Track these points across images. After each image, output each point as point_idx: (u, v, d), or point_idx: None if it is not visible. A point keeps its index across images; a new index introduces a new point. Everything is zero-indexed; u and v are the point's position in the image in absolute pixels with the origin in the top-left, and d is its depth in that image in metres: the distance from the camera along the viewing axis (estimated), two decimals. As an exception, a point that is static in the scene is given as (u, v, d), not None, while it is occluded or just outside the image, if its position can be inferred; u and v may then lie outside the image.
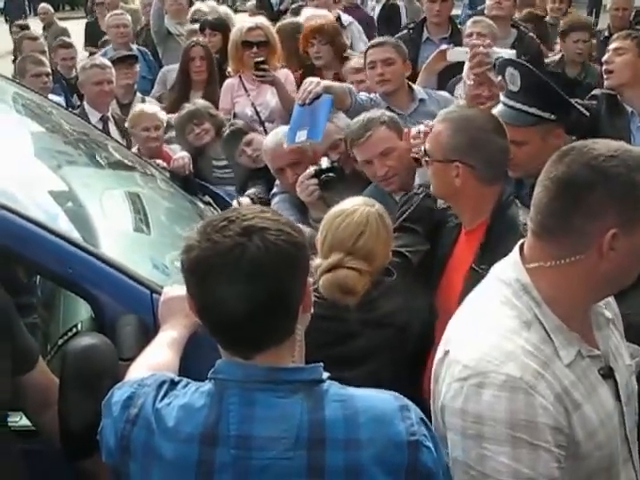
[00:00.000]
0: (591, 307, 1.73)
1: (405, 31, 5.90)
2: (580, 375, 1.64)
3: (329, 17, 5.50)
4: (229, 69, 5.15)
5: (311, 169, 3.40)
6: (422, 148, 2.70)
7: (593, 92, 3.87)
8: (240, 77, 4.94)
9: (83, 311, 2.52)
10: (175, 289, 2.27)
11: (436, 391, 1.71)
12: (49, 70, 5.27)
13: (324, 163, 3.39)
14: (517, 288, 1.66)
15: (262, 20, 5.09)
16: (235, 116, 4.86)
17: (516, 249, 1.73)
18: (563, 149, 1.65)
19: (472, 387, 1.57)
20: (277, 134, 3.76)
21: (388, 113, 3.23)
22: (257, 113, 4.82)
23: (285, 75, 4.82)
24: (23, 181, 2.76)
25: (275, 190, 3.83)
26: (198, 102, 4.76)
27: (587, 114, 2.94)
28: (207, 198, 3.88)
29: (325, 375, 1.56)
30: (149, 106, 4.76)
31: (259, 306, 1.48)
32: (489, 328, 1.64)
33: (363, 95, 3.90)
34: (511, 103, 2.75)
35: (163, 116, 4.64)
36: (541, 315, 1.63)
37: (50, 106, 3.99)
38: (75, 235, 2.41)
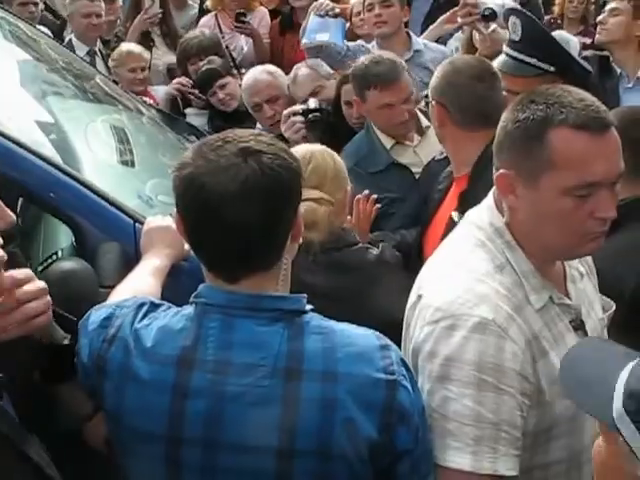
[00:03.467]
0: (557, 259, 1.70)
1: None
2: (549, 321, 1.61)
3: None
4: (207, 3, 5.08)
5: (297, 107, 3.41)
6: None
7: (584, 54, 3.86)
8: (216, 16, 4.88)
9: (64, 238, 2.48)
10: (158, 219, 2.24)
11: (407, 337, 1.68)
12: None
13: (312, 103, 3.39)
14: (490, 232, 1.63)
15: None
16: None
17: (490, 193, 1.70)
18: None
19: (443, 329, 1.53)
20: (256, 70, 3.83)
21: (401, 60, 3.19)
22: (232, 57, 4.75)
23: (262, 15, 4.86)
24: (9, 107, 2.70)
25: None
26: (208, 34, 4.57)
27: (590, 69, 2.90)
28: (193, 138, 3.82)
29: (308, 307, 1.53)
30: (135, 45, 4.58)
31: (249, 228, 1.44)
32: (462, 271, 1.60)
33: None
34: (512, 53, 2.72)
35: (148, 56, 4.52)
36: (512, 259, 1.61)
37: (38, 35, 3.89)
38: (59, 161, 2.36)
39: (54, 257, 2.41)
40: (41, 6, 5.27)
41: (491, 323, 1.51)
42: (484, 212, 1.68)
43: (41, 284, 1.52)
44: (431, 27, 4.44)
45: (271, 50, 4.71)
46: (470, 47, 3.97)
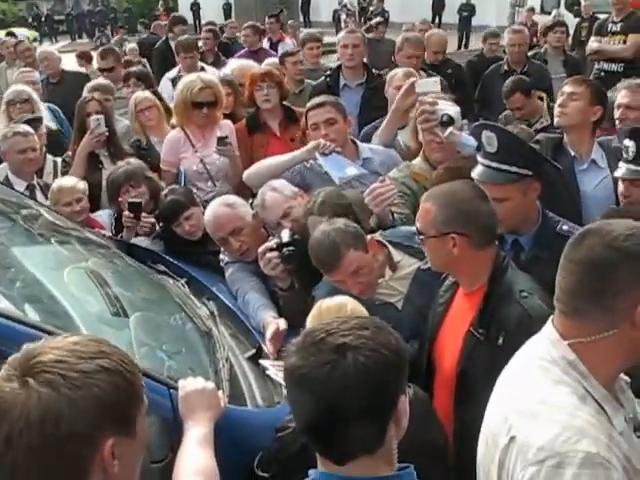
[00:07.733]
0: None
1: (322, 79, 5.98)
2: (629, 440, 1.68)
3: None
4: (172, 121, 5.06)
5: (272, 242, 3.39)
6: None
7: (537, 137, 4.02)
8: (184, 131, 4.84)
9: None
10: (191, 382, 2.20)
11: (503, 477, 1.72)
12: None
13: (285, 236, 3.35)
14: (564, 365, 1.71)
15: (211, 78, 5.00)
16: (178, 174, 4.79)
17: (550, 327, 1.78)
18: (581, 232, 1.75)
19: (551, 468, 1.58)
20: (214, 205, 3.78)
21: (350, 229, 2.96)
22: (207, 170, 4.74)
23: (230, 129, 4.88)
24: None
25: (226, 259, 3.78)
26: (133, 162, 4.51)
27: (559, 167, 3.05)
28: (160, 266, 3.74)
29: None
30: (66, 180, 4.47)
31: (343, 421, 1.51)
32: (552, 408, 1.66)
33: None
34: (490, 163, 2.83)
35: (83, 186, 4.42)
36: (590, 387, 1.68)
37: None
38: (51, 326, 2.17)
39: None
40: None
41: (596, 456, 1.56)
42: (551, 346, 1.75)
43: None
44: (381, 128, 4.38)
45: (239, 151, 4.73)
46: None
